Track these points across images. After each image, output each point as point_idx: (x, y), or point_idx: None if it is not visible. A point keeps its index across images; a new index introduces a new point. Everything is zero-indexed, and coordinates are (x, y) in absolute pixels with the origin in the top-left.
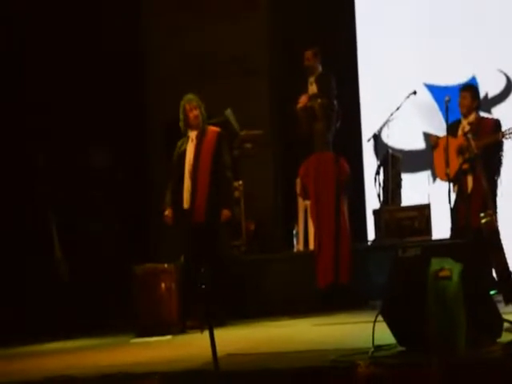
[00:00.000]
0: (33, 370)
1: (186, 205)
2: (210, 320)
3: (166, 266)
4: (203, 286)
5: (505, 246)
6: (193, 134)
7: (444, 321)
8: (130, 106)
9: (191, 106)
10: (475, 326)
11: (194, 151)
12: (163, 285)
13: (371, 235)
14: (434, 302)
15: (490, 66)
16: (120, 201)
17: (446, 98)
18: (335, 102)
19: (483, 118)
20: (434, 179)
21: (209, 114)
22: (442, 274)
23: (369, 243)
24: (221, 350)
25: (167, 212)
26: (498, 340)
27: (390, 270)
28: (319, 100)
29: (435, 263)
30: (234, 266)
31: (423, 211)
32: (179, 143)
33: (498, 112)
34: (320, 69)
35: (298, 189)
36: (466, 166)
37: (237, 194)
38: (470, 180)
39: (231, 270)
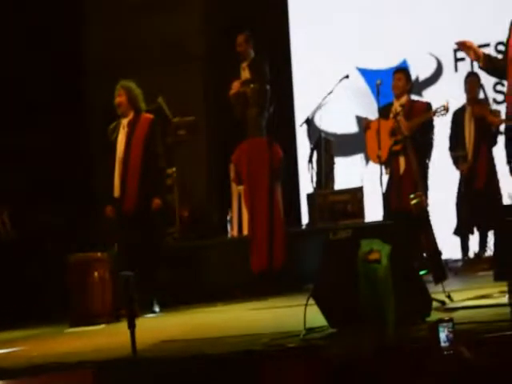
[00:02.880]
0: None
1: (116, 193)
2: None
3: (99, 254)
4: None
5: (434, 227)
6: (125, 121)
7: (374, 302)
8: (70, 93)
9: (117, 92)
10: (405, 305)
11: (126, 139)
12: (96, 274)
13: (305, 219)
14: (364, 284)
15: (420, 49)
16: (59, 189)
17: (378, 82)
18: (268, 87)
19: (415, 100)
20: (367, 162)
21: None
22: (371, 256)
23: (303, 227)
24: (155, 336)
25: (108, 210)
26: (428, 319)
27: (322, 253)
28: (252, 85)
29: (365, 245)
30: (167, 254)
31: (356, 194)
32: (110, 128)
33: (428, 95)
34: (252, 54)
35: (232, 174)
36: (397, 148)
37: (170, 181)
38: (401, 162)
39: (165, 258)
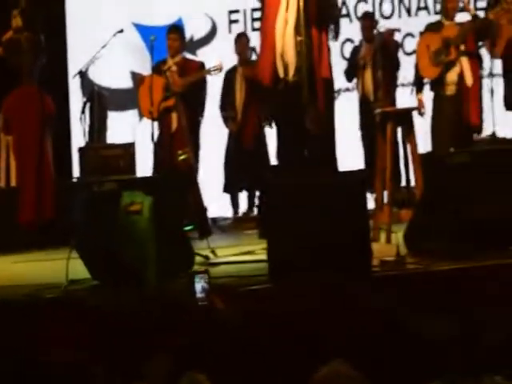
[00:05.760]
0: None
1: None
2: None
3: None
4: None
5: (205, 184)
6: None
7: (135, 254)
8: None
9: None
10: (167, 258)
11: None
12: None
13: (77, 173)
14: (125, 235)
15: (195, 9)
16: None
17: (152, 38)
18: (42, 37)
19: (188, 59)
20: (141, 118)
21: None
22: (132, 208)
23: (74, 180)
24: None
25: None
26: (191, 271)
27: (85, 205)
28: (25, 33)
29: (126, 196)
30: None
31: (128, 150)
32: None
33: (202, 54)
34: (23, 2)
35: (1, 123)
36: (168, 104)
37: None
38: (173, 119)
39: None
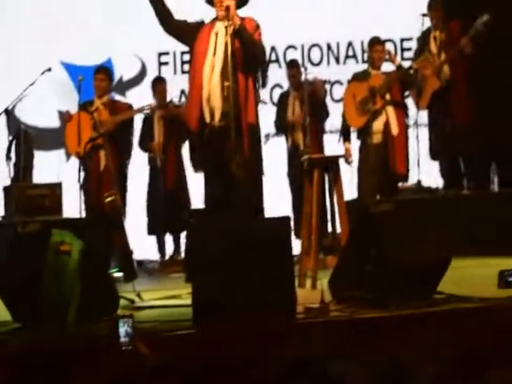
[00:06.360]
0: None
1: None
2: None
3: None
4: None
5: (133, 226)
6: None
7: (57, 296)
8: None
9: None
10: (91, 302)
11: None
12: None
13: (1, 212)
14: (51, 276)
15: (125, 50)
16: None
17: (79, 78)
18: None
19: (116, 101)
20: (68, 158)
21: None
22: (62, 247)
23: None
24: None
25: None
26: (115, 315)
27: (8, 246)
28: None
29: (56, 235)
30: None
31: (54, 190)
32: None
33: (132, 95)
34: None
35: None
36: (97, 143)
37: None
38: (102, 157)
39: None
